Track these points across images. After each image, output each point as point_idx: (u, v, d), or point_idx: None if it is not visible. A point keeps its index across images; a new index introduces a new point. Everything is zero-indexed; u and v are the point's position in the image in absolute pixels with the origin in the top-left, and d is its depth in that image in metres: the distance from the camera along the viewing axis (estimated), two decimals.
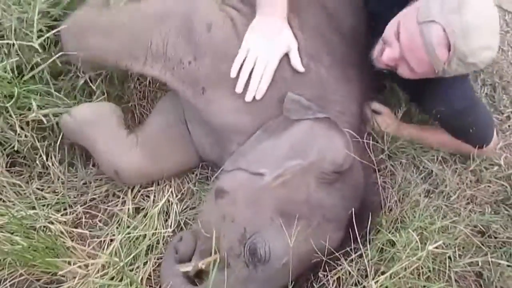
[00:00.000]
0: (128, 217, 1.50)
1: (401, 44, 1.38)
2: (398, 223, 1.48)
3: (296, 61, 1.41)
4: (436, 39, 1.31)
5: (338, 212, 1.33)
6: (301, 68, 1.41)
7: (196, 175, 1.69)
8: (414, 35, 1.34)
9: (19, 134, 1.43)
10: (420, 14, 1.34)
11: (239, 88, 1.38)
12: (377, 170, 1.48)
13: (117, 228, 1.47)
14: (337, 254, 1.35)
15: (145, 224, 1.48)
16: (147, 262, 1.41)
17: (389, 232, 1.41)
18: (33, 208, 1.38)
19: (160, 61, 1.43)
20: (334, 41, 1.53)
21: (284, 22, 1.43)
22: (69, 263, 1.27)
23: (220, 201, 1.33)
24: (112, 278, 1.30)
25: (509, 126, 2.07)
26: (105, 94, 1.60)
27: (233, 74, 1.38)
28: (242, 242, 1.26)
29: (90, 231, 1.46)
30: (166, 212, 1.56)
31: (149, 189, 1.61)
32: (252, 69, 1.38)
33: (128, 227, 1.46)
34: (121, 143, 1.52)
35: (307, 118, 1.38)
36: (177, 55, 1.41)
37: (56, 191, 1.52)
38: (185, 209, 1.59)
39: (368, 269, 1.28)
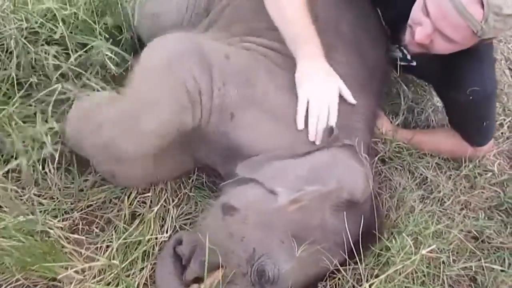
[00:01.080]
0: (125, 223, 1.51)
1: (431, 16, 1.38)
2: (394, 228, 1.49)
3: (348, 95, 1.45)
4: None
5: (347, 236, 1.31)
6: (353, 101, 1.46)
7: (192, 180, 1.69)
8: (442, 1, 1.34)
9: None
10: None
11: (312, 137, 1.38)
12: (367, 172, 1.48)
13: (115, 232, 1.47)
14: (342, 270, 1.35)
15: (141, 230, 1.49)
16: (143, 268, 1.41)
17: (386, 239, 1.42)
18: (31, 213, 1.38)
19: (198, 102, 1.35)
20: (358, 68, 1.56)
21: (325, 61, 1.45)
22: (66, 268, 1.27)
23: (229, 218, 1.31)
24: (108, 284, 1.31)
25: (502, 133, 2.10)
26: None
27: (300, 126, 1.39)
28: (249, 262, 1.26)
29: (86, 237, 1.46)
30: (163, 218, 1.57)
31: (145, 195, 1.62)
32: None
33: (124, 233, 1.46)
34: None
35: (332, 146, 1.38)
36: (208, 88, 1.35)
37: (53, 197, 1.53)
38: (181, 214, 1.60)
39: (362, 273, 1.29)
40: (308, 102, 1.40)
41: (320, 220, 1.30)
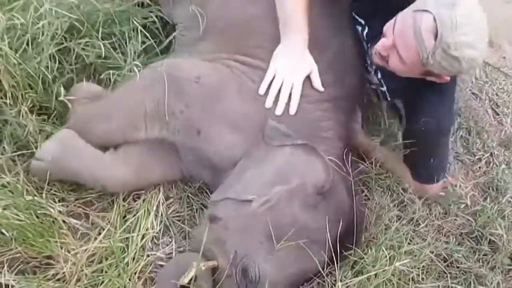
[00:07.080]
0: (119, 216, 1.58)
1: (395, 30, 1.51)
2: (371, 240, 1.59)
3: (317, 82, 1.59)
4: (425, 25, 1.42)
5: (323, 233, 1.42)
6: (321, 88, 1.59)
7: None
8: (407, 21, 1.47)
9: None
10: (416, 4, 1.48)
11: (268, 104, 1.55)
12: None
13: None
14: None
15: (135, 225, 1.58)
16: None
17: (362, 251, 1.52)
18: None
19: (157, 121, 1.56)
20: (334, 87, 1.65)
21: (305, 47, 1.59)
22: (62, 247, 1.36)
23: (214, 226, 1.42)
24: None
25: (479, 167, 2.22)
26: None
27: (261, 91, 1.56)
28: (233, 264, 1.36)
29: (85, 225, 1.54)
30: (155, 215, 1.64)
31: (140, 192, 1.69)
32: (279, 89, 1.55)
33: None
34: (101, 160, 1.59)
35: (287, 144, 1.50)
36: (169, 110, 1.54)
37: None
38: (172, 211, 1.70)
39: (337, 273, 1.39)
40: (274, 75, 1.56)
41: (291, 218, 1.41)
